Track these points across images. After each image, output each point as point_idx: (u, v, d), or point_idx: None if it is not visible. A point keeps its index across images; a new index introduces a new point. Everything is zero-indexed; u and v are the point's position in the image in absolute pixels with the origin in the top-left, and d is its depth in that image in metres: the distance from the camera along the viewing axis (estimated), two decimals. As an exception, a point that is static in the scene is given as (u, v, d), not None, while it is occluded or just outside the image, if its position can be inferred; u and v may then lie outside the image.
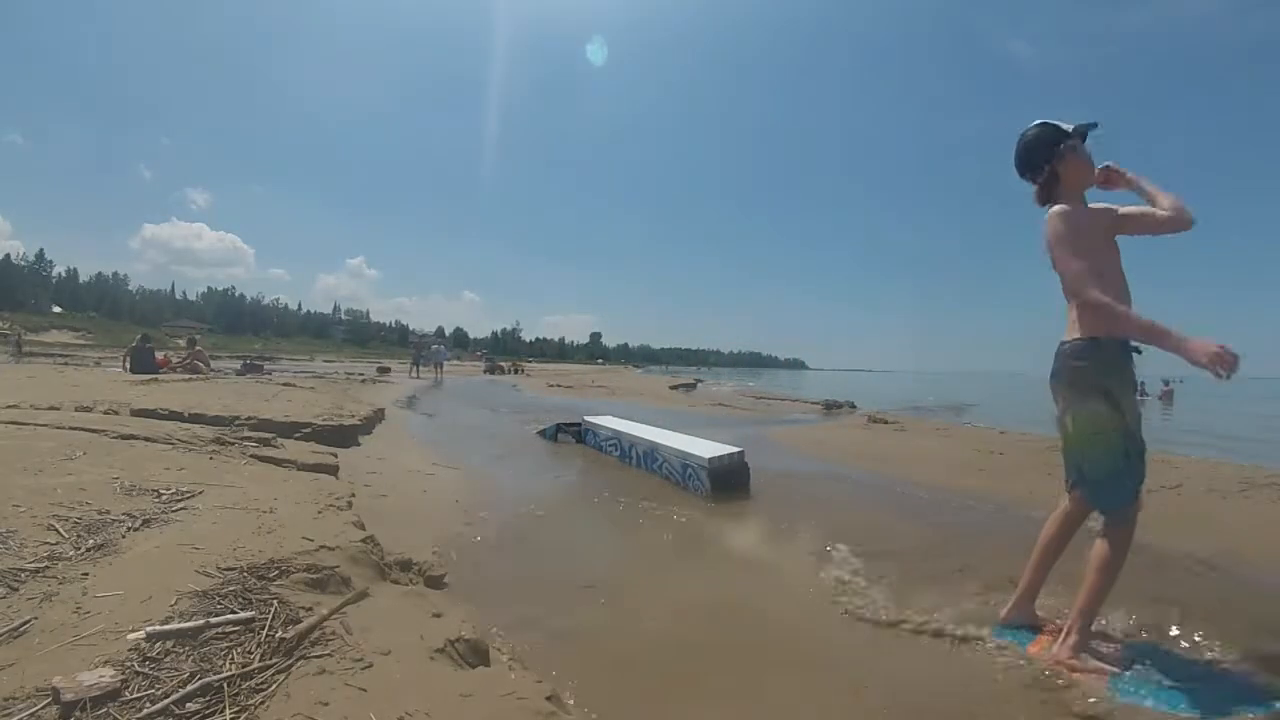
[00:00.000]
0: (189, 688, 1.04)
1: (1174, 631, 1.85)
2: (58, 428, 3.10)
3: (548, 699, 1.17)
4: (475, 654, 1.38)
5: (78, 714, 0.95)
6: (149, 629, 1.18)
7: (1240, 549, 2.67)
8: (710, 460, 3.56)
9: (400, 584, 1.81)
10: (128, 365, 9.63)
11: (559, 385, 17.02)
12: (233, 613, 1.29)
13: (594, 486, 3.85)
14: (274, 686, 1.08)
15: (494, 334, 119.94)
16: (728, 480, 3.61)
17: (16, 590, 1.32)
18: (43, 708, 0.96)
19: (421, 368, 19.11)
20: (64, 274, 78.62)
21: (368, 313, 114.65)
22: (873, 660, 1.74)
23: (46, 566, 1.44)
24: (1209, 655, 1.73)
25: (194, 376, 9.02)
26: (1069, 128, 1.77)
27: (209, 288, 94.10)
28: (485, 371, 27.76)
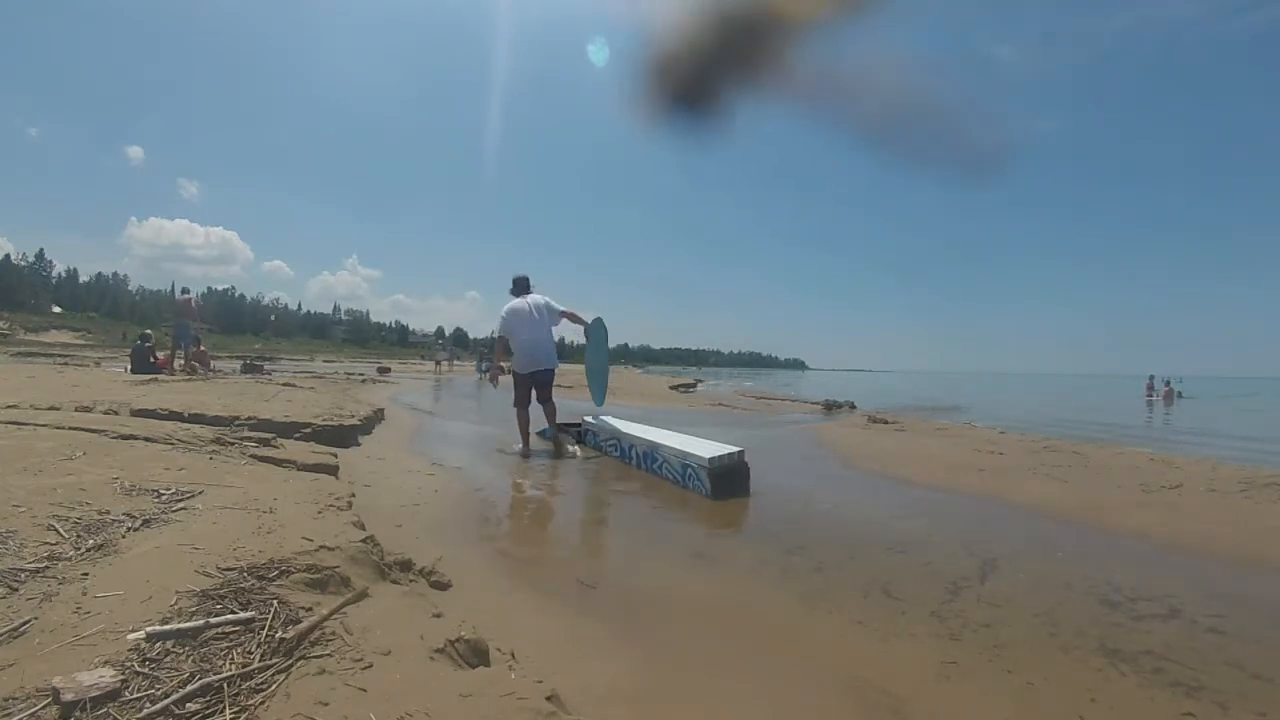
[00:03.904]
0: (189, 688, 1.04)
1: None
2: (58, 428, 3.10)
3: (548, 699, 1.17)
4: (475, 654, 1.38)
5: (78, 714, 0.95)
6: (149, 629, 1.18)
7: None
8: (710, 460, 3.56)
9: (400, 584, 1.81)
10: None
11: (558, 385, 16.89)
12: (233, 613, 1.29)
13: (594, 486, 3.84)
14: (274, 686, 1.08)
15: (493, 334, 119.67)
16: (728, 480, 3.60)
17: (16, 590, 1.32)
18: (42, 708, 0.96)
19: (440, 363, 27.12)
20: (64, 274, 78.77)
21: (368, 313, 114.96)
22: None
23: (46, 566, 1.44)
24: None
25: (192, 376, 9.02)
26: None
27: (209, 288, 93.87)
28: (479, 370, 23.45)
